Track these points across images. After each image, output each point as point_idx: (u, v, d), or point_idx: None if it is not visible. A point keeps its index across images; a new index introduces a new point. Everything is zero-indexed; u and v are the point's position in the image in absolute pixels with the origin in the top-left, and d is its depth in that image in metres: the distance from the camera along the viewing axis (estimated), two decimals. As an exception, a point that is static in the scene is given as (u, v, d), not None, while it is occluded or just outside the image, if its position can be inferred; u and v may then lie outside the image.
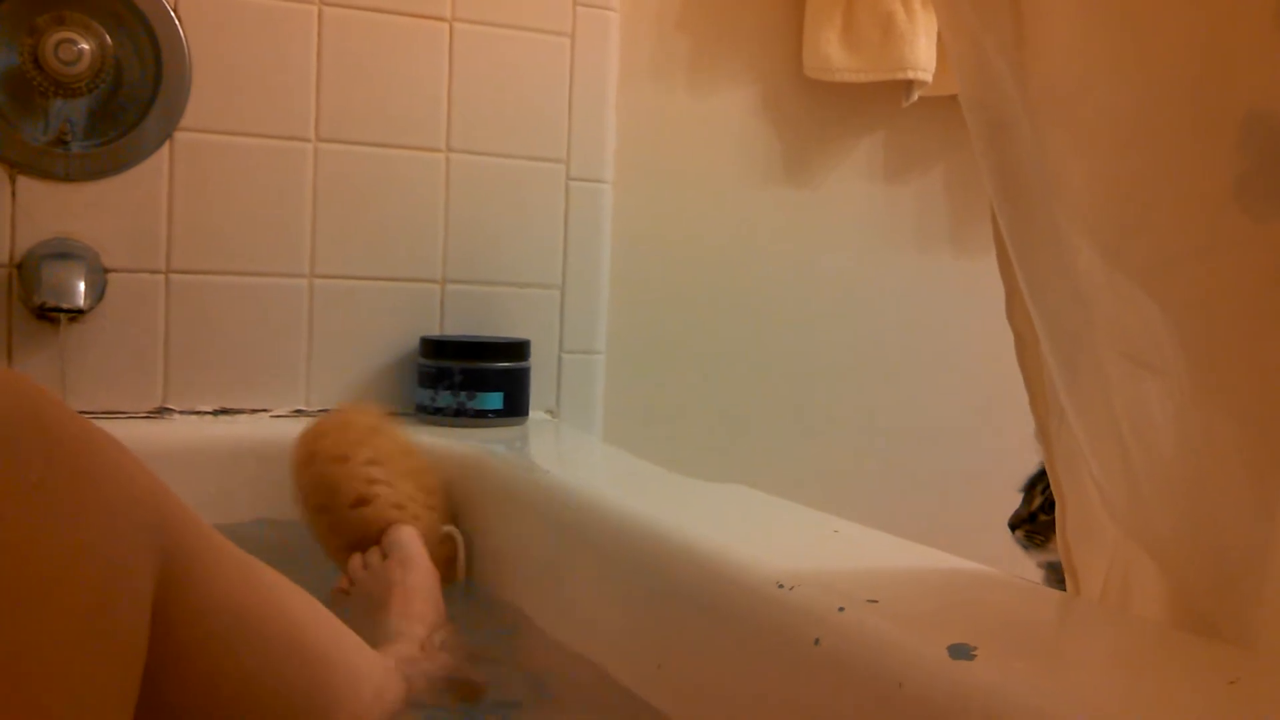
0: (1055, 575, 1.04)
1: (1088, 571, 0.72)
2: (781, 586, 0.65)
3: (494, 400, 1.34)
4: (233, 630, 0.55)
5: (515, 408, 1.36)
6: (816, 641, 0.61)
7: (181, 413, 1.30)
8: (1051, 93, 0.59)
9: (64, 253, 1.23)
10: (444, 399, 1.33)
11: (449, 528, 1.11)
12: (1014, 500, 1.06)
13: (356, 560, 1.03)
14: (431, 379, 1.34)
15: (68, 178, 1.25)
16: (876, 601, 0.61)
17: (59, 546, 0.45)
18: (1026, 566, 1.01)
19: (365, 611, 0.94)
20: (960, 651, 0.53)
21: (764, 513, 0.89)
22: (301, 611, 0.62)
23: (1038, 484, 1.04)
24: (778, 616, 0.65)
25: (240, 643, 0.56)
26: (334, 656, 0.63)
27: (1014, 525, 1.03)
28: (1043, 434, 0.73)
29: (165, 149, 1.28)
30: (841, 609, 0.61)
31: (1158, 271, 0.55)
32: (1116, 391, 0.60)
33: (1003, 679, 0.52)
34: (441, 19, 1.39)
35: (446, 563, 1.08)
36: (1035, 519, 1.01)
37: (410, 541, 1.01)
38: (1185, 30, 0.53)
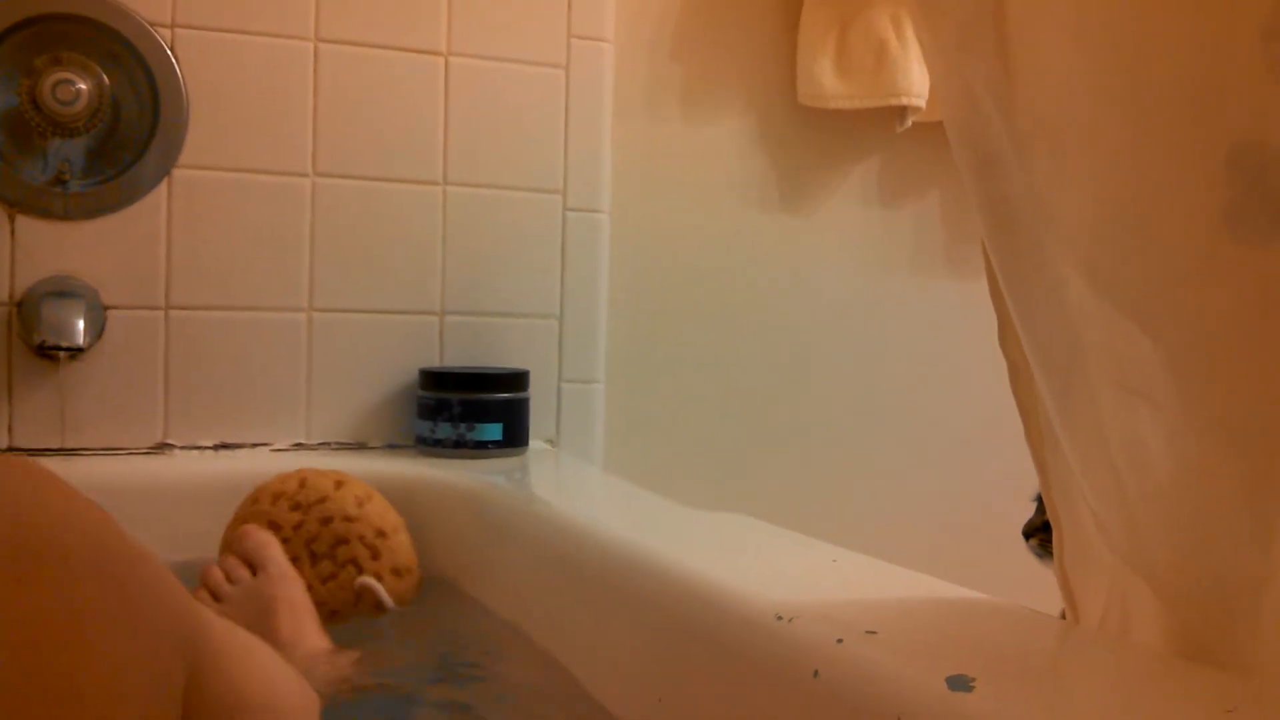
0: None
1: (1086, 599, 0.72)
2: (780, 618, 0.65)
3: (494, 431, 1.34)
4: (236, 710, 0.59)
5: (515, 438, 1.36)
6: (815, 674, 0.61)
7: (182, 448, 1.30)
8: (1039, 125, 0.60)
9: (63, 291, 1.24)
10: (443, 430, 1.33)
11: (361, 580, 1.08)
12: (1014, 519, 1.06)
13: (217, 574, 1.02)
14: (431, 411, 1.34)
15: (66, 216, 1.25)
16: (875, 633, 0.61)
17: (111, 661, 0.48)
18: (1029, 587, 1.01)
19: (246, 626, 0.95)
20: (959, 683, 0.53)
21: (763, 542, 0.89)
22: (276, 673, 0.65)
23: None
24: (776, 649, 0.65)
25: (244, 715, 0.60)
26: (301, 704, 0.66)
27: (1028, 534, 1.04)
28: (1038, 461, 0.73)
29: (163, 186, 1.29)
30: (840, 640, 0.61)
31: (1148, 300, 0.56)
32: (1109, 420, 0.60)
33: (1001, 710, 0.52)
34: (437, 53, 1.40)
35: (372, 609, 1.08)
36: (1048, 527, 1.02)
37: (278, 556, 1.02)
38: (1173, 61, 0.53)
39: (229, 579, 1.01)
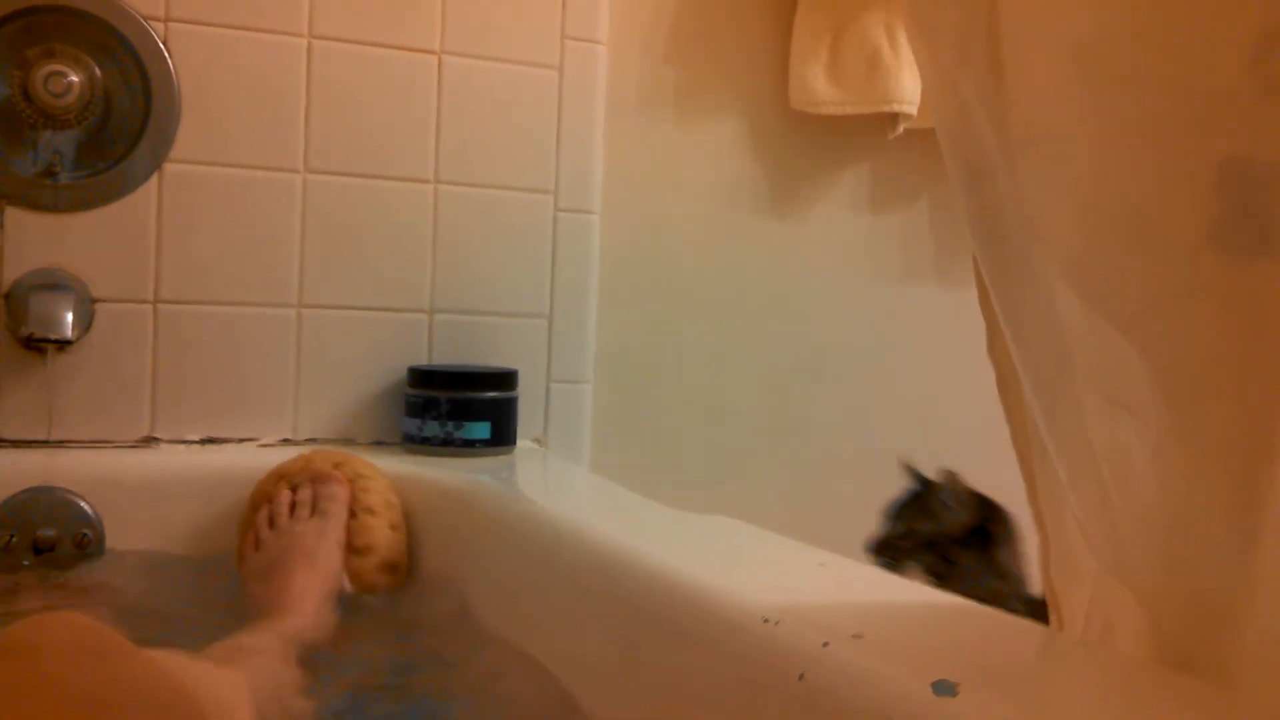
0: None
1: (1070, 607, 0.73)
2: (766, 621, 0.66)
3: (481, 430, 1.34)
4: None
5: (502, 437, 1.36)
6: (801, 677, 0.61)
7: (169, 442, 1.30)
8: (1029, 135, 0.60)
9: (52, 283, 1.23)
10: (431, 429, 1.33)
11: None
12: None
13: (265, 515, 1.12)
14: (419, 409, 1.34)
15: (56, 209, 1.25)
16: (861, 636, 0.62)
17: None
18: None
19: (264, 572, 1.05)
20: (944, 688, 0.54)
21: (750, 545, 0.89)
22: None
23: (902, 512, 1.06)
24: (762, 652, 0.65)
25: None
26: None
27: (872, 549, 1.06)
28: (1025, 470, 0.74)
29: (154, 180, 1.29)
30: (826, 644, 0.61)
31: (1135, 314, 0.56)
32: (1095, 432, 0.61)
33: (985, 715, 0.52)
34: (430, 52, 1.40)
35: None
36: (893, 546, 1.04)
37: (339, 512, 1.11)
38: (1163, 77, 0.54)
39: (272, 525, 1.11)
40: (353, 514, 1.14)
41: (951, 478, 1.11)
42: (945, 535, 1.08)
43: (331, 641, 0.95)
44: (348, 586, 1.10)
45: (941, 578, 1.08)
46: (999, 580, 1.06)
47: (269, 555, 1.08)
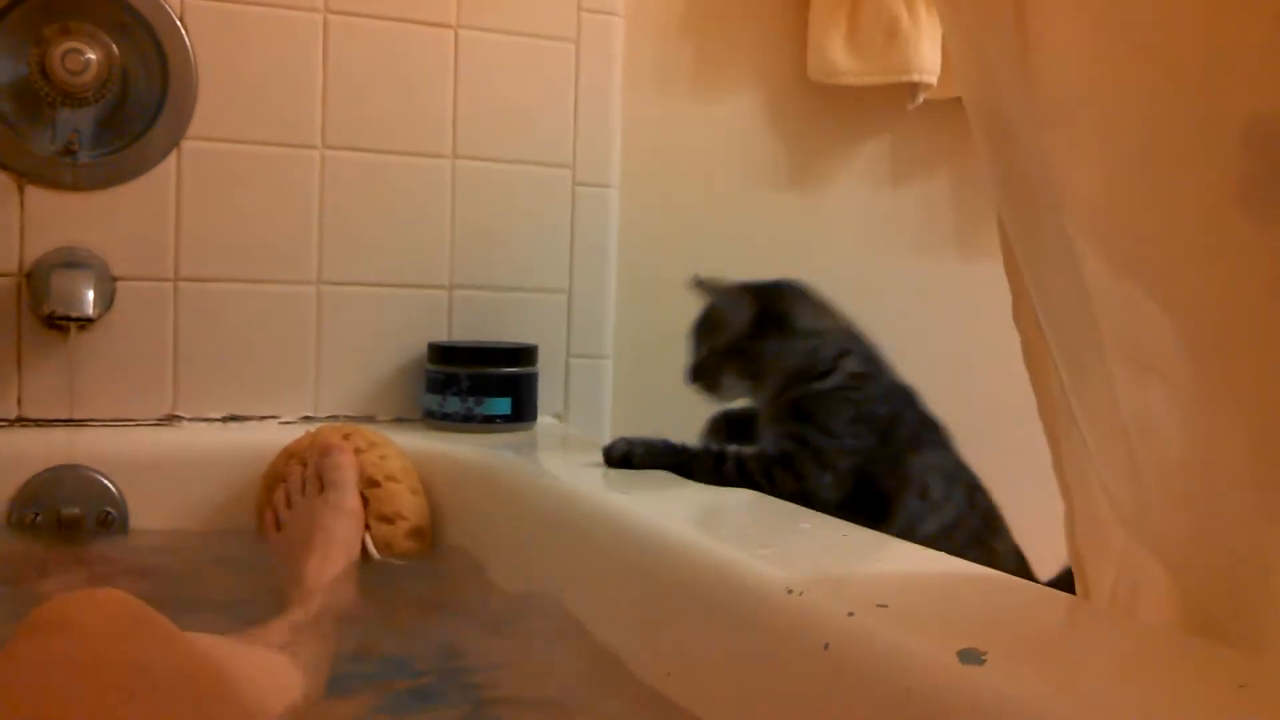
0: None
1: (1097, 575, 0.72)
2: (791, 592, 0.65)
3: (501, 405, 1.34)
4: None
5: (523, 413, 1.36)
6: (826, 647, 0.61)
7: (190, 420, 1.31)
8: (1056, 100, 0.59)
9: (72, 262, 1.24)
10: (452, 404, 1.33)
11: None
12: (1023, 499, 1.07)
13: (281, 496, 1.13)
14: (439, 385, 1.34)
15: (75, 187, 1.25)
16: (886, 606, 0.61)
17: None
18: (1047, 563, 1.01)
19: (288, 553, 1.06)
20: (970, 657, 0.53)
21: (772, 518, 0.89)
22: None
23: (696, 337, 1.16)
24: (787, 622, 0.65)
25: None
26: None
27: (689, 380, 1.11)
28: (1050, 437, 0.74)
29: (172, 157, 1.29)
30: (851, 614, 0.61)
31: (1163, 277, 0.56)
32: (1123, 396, 0.60)
33: (1012, 684, 0.52)
34: (447, 26, 1.39)
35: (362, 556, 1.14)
36: (702, 369, 1.09)
37: (347, 481, 1.12)
38: (1188, 36, 0.53)
39: (289, 503, 1.12)
40: (375, 482, 1.15)
41: (715, 284, 1.15)
42: (739, 337, 1.11)
43: (357, 610, 0.96)
44: (375, 553, 1.11)
45: (755, 376, 1.11)
46: (808, 339, 1.10)
47: (289, 535, 1.10)
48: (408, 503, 1.15)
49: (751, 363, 1.10)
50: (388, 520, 1.14)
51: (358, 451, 1.17)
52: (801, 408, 1.07)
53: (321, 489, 1.12)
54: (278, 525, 1.13)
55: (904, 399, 1.10)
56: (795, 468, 1.01)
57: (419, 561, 1.14)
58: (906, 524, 1.02)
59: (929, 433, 1.08)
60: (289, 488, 1.14)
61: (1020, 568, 1.05)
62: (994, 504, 1.07)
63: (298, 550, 1.06)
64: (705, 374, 1.13)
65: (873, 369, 1.11)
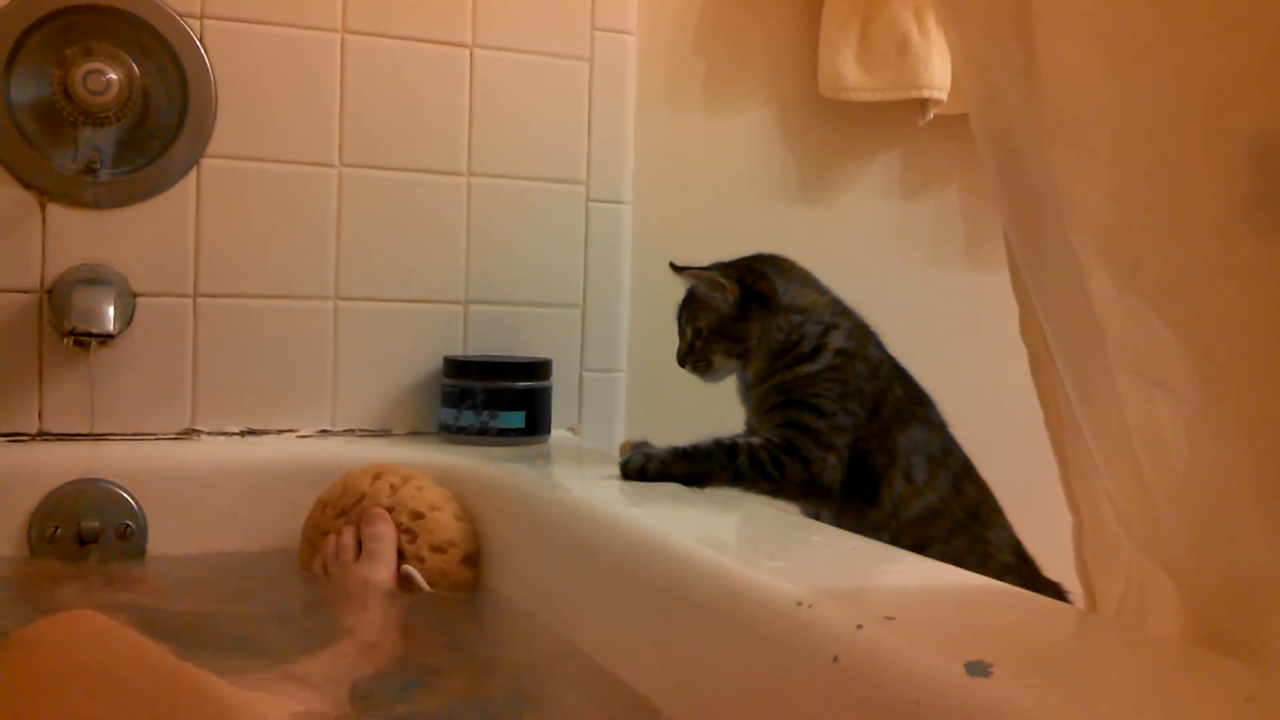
0: None
1: (1104, 587, 0.73)
2: (800, 604, 0.66)
3: (516, 419, 1.35)
4: None
5: (537, 426, 1.37)
6: (835, 659, 0.61)
7: (209, 434, 1.32)
8: (1062, 118, 0.60)
9: (93, 279, 1.25)
10: (467, 418, 1.34)
11: (403, 569, 1.12)
12: (1032, 510, 1.07)
13: (331, 547, 1.13)
14: (454, 399, 1.35)
15: (97, 205, 1.27)
16: (894, 618, 0.62)
17: None
18: (1057, 575, 1.01)
19: (329, 602, 1.07)
20: (977, 669, 0.54)
21: (782, 531, 0.90)
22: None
23: (684, 320, 1.17)
24: (796, 634, 0.65)
25: None
26: None
27: (681, 363, 1.12)
28: (1057, 451, 0.74)
29: (192, 175, 1.30)
30: (860, 626, 0.61)
31: (1169, 293, 0.56)
32: (1129, 409, 0.61)
33: (1019, 696, 0.52)
34: (462, 45, 1.41)
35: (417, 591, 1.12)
36: (692, 352, 1.10)
37: (386, 551, 1.11)
38: (1192, 54, 0.54)
39: (338, 557, 1.12)
40: (419, 514, 1.14)
41: (693, 268, 1.16)
42: (724, 318, 1.12)
43: (383, 669, 0.94)
44: (426, 587, 1.10)
45: (741, 356, 1.13)
46: (792, 315, 1.11)
47: (332, 589, 1.10)
48: (456, 530, 1.14)
49: (739, 342, 1.12)
50: (440, 550, 1.13)
51: (393, 488, 1.16)
52: (791, 393, 1.08)
53: (359, 557, 1.12)
54: (325, 572, 1.13)
55: (891, 372, 1.11)
56: (801, 454, 1.03)
57: (471, 594, 1.13)
58: (893, 506, 1.03)
59: (917, 408, 1.10)
60: (326, 556, 1.13)
61: (1019, 562, 1.05)
62: (988, 494, 1.07)
63: (335, 606, 1.06)
64: (695, 356, 1.14)
65: (859, 343, 1.12)
